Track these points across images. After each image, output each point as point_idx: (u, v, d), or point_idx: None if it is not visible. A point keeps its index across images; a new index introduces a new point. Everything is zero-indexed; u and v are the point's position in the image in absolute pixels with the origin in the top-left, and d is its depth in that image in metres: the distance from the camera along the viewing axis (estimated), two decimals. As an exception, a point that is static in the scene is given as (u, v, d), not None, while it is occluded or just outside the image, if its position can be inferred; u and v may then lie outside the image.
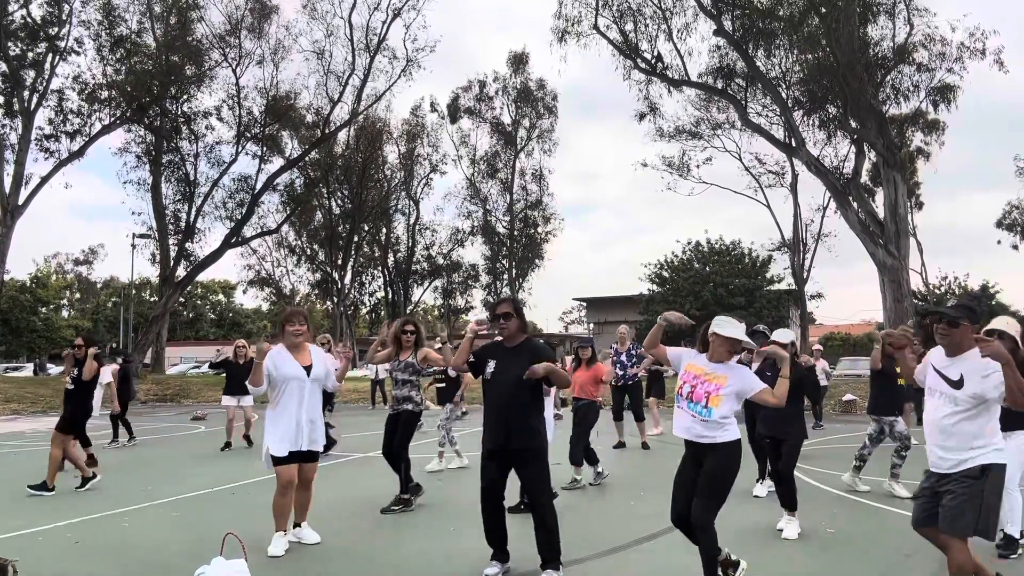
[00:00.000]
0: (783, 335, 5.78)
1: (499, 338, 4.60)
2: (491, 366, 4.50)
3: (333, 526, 5.62)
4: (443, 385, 8.60)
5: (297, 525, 5.30)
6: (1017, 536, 4.77)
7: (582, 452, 7.42)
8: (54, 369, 40.56)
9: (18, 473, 9.14)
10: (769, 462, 5.78)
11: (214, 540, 4.39)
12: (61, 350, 58.82)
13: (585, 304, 55.67)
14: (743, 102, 27.01)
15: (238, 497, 7.21)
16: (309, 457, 5.16)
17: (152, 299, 53.20)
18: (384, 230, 43.86)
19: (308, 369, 5.15)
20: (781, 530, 5.46)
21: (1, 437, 13.78)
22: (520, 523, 5.13)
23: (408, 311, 43.48)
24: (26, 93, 26.43)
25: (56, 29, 26.95)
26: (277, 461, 5.06)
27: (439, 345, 7.86)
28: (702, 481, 3.98)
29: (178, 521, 6.15)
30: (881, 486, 7.11)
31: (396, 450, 6.53)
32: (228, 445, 10.95)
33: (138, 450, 11.20)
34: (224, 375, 11.42)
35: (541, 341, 4.98)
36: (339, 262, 40.30)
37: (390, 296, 45.25)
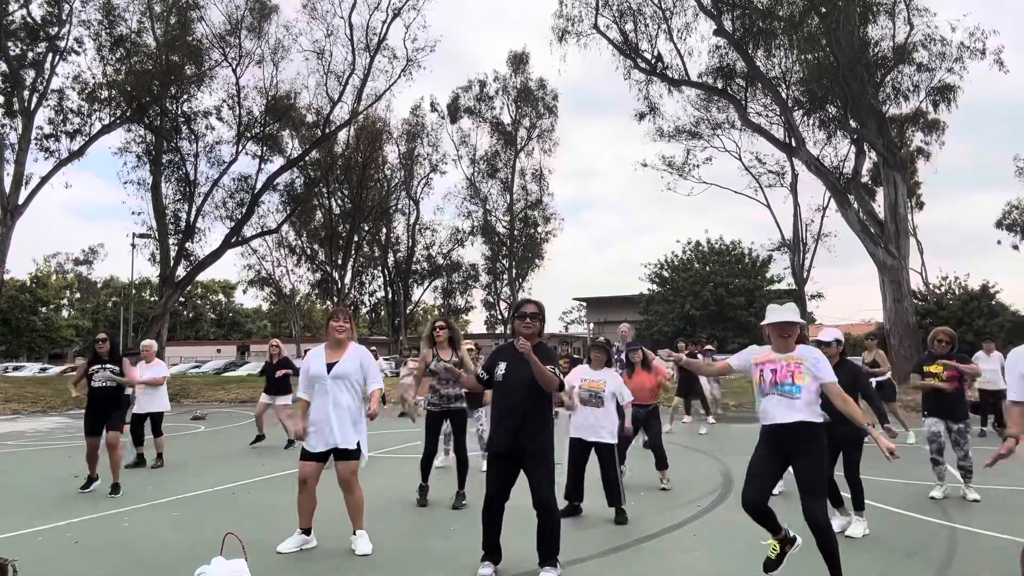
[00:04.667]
0: (828, 334, 5.77)
1: (522, 340, 4.49)
2: (501, 368, 4.52)
3: (334, 526, 5.61)
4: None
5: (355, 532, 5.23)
6: None
7: (664, 453, 7.40)
8: (52, 369, 40.58)
9: (18, 473, 9.15)
10: None
11: (214, 540, 4.39)
12: (61, 350, 59.05)
13: (585, 304, 55.71)
14: (743, 102, 27.02)
15: (238, 497, 7.21)
16: (340, 455, 5.08)
17: (152, 299, 53.24)
18: (384, 230, 43.86)
19: (331, 367, 5.14)
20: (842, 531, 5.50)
21: (1, 437, 13.78)
22: (514, 522, 5.13)
23: (408, 311, 43.52)
24: (26, 93, 26.40)
25: (56, 29, 26.93)
26: (300, 455, 5.16)
27: (467, 347, 7.86)
28: (804, 476, 3.92)
29: (178, 521, 6.14)
30: (881, 487, 7.11)
31: (456, 450, 6.85)
32: (260, 438, 11.22)
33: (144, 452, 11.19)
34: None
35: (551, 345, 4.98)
36: (339, 262, 40.28)
37: (390, 296, 45.26)
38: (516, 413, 4.42)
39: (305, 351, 17.49)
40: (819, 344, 5.76)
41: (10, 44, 25.87)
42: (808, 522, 3.88)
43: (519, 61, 42.31)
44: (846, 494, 5.65)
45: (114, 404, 7.42)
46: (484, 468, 8.63)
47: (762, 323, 4.21)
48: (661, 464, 7.39)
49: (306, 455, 5.12)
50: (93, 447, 7.38)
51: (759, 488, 4.05)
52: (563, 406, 7.76)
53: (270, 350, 11.51)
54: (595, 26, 26.47)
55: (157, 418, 9.51)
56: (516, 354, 4.45)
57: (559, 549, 4.42)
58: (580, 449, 6.16)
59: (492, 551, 4.53)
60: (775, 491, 6.61)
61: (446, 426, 8.85)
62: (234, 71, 29.04)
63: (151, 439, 9.53)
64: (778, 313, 4.11)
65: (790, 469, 4.10)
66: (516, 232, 43.16)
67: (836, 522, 5.56)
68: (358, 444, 5.11)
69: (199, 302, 72.90)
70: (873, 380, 10.99)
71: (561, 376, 4.50)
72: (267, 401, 11.30)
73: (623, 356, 10.44)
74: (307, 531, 5.20)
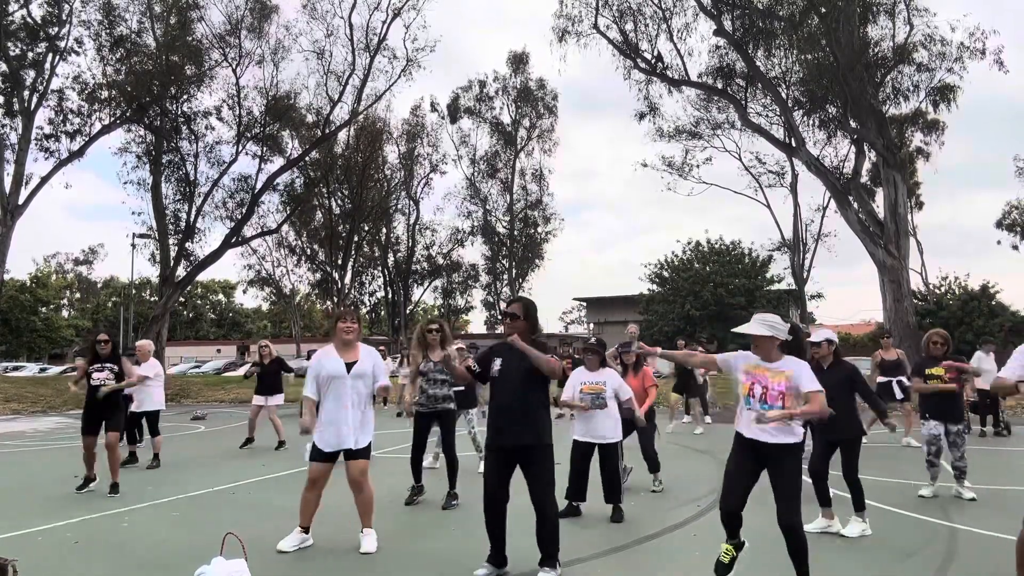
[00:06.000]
0: (819, 335, 5.74)
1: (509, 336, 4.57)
2: (497, 364, 4.52)
3: (335, 525, 5.62)
4: (461, 388, 8.31)
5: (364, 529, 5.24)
6: None
7: (656, 459, 7.27)
8: (52, 369, 40.56)
9: (18, 473, 9.15)
10: (810, 460, 5.62)
11: (214, 540, 4.39)
12: (61, 350, 59.02)
13: (585, 304, 55.69)
14: (743, 102, 27.02)
15: (238, 497, 7.22)
16: (352, 455, 5.09)
17: (152, 299, 53.21)
18: (384, 230, 43.84)
19: (350, 366, 5.14)
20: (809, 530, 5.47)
21: (1, 437, 13.78)
22: (515, 522, 5.13)
23: (408, 311, 43.53)
24: (26, 93, 26.40)
25: (56, 29, 26.93)
26: (311, 456, 5.15)
27: (456, 347, 7.83)
28: (783, 484, 3.97)
29: (178, 521, 6.14)
30: (881, 487, 7.11)
31: (445, 450, 6.93)
32: (249, 441, 11.09)
33: (138, 450, 11.19)
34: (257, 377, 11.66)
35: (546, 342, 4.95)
36: (339, 262, 40.27)
37: (390, 296, 45.24)
38: (514, 407, 4.41)
39: (305, 351, 17.51)
40: (810, 345, 5.73)
41: (10, 44, 25.87)
42: (783, 522, 3.92)
43: (519, 61, 42.32)
44: (845, 494, 5.64)
45: (112, 404, 7.43)
46: (480, 470, 8.64)
47: (733, 329, 4.29)
48: (653, 468, 7.31)
49: (318, 456, 5.11)
50: (89, 446, 7.39)
51: (741, 497, 4.12)
52: (558, 405, 7.67)
53: (260, 351, 11.42)
54: (595, 26, 26.49)
55: (153, 417, 9.48)
56: (512, 349, 4.47)
57: (558, 549, 4.40)
58: (582, 451, 6.12)
59: (497, 554, 4.46)
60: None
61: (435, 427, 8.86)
62: (234, 71, 29.05)
63: (149, 439, 9.52)
64: (748, 324, 4.17)
65: None
66: (516, 232, 43.16)
67: (820, 522, 5.55)
68: (369, 443, 5.16)
69: (199, 302, 72.87)
70: (900, 381, 10.55)
71: (559, 362, 4.47)
72: (260, 402, 11.25)
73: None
74: (306, 529, 5.21)
